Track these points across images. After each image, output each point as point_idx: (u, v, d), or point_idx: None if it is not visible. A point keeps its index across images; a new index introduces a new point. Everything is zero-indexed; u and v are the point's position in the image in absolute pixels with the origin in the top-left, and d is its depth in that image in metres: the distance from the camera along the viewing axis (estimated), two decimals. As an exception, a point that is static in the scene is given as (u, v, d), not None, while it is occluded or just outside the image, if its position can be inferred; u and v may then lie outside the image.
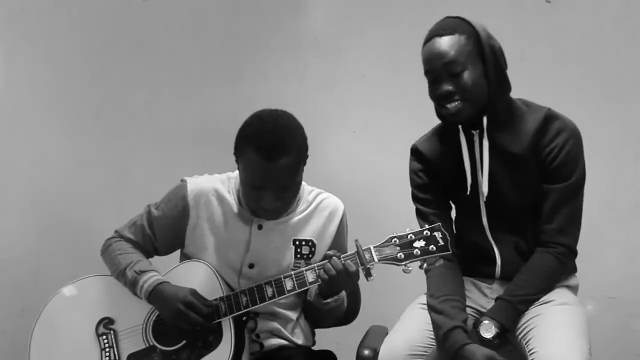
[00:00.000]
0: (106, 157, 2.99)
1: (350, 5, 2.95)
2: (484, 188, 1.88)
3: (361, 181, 2.85)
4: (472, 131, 1.89)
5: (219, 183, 1.95)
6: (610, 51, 2.73)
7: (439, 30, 1.84)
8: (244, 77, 2.97)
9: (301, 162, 1.82)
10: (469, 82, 1.80)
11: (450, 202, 2.03)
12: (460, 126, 1.88)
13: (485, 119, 1.85)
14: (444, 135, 1.98)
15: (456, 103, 1.82)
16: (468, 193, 1.91)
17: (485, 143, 1.86)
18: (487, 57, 1.82)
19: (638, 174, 2.72)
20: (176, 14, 3.02)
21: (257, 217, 1.90)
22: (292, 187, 1.83)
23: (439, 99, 1.84)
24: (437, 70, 1.82)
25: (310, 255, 1.94)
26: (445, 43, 1.81)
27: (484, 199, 1.89)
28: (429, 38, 1.86)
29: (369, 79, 2.91)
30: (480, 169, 1.89)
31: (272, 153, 1.73)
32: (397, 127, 2.82)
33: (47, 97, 3.00)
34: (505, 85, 1.87)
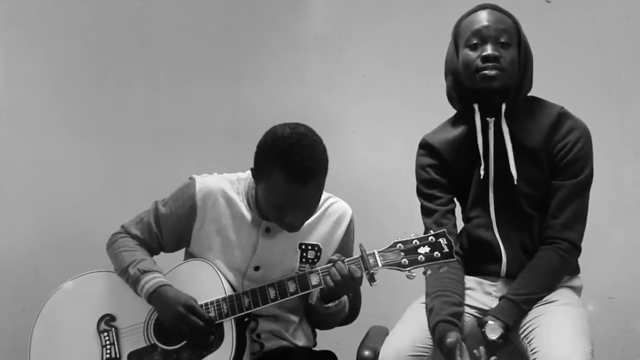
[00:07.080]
0: (106, 157, 2.98)
1: (350, 5, 2.95)
2: (513, 171, 1.87)
3: (361, 181, 2.84)
4: (487, 118, 1.90)
5: (227, 184, 1.93)
6: (610, 51, 2.73)
7: (491, 5, 1.91)
8: (244, 77, 2.97)
9: (325, 176, 1.80)
10: (510, 57, 1.85)
11: (455, 199, 2.02)
12: (477, 108, 1.89)
13: (504, 106, 1.87)
14: (458, 124, 1.98)
15: (497, 69, 1.83)
16: (482, 177, 1.91)
17: (505, 128, 1.88)
18: (522, 48, 1.89)
19: (638, 174, 2.72)
20: (176, 14, 3.01)
21: (267, 220, 1.89)
22: (318, 202, 1.84)
23: (484, 60, 1.84)
24: (489, 33, 1.85)
25: (316, 260, 1.93)
26: (500, 15, 1.89)
27: (515, 182, 1.87)
28: (480, 8, 1.90)
29: (369, 79, 2.91)
30: (492, 157, 1.90)
31: (302, 178, 1.71)
32: (397, 127, 2.82)
33: (47, 97, 2.99)
34: (529, 81, 1.92)
